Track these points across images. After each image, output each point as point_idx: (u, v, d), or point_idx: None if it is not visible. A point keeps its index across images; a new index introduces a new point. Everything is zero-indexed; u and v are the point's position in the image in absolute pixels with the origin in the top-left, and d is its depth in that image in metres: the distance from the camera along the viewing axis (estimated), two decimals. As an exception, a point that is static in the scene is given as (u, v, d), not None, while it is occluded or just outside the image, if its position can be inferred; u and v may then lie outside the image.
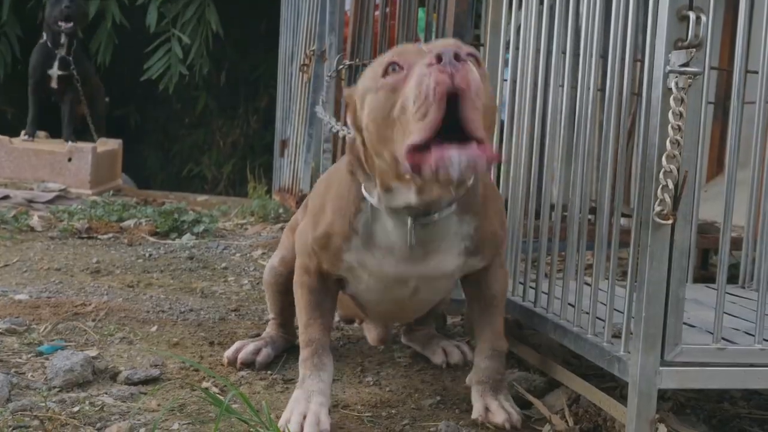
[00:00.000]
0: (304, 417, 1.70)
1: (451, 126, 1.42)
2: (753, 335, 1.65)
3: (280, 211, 4.74)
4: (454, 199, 1.67)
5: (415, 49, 1.55)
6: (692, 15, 1.45)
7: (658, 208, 1.48)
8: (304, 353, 1.84)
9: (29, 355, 2.12)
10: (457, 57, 1.42)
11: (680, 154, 1.47)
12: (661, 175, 1.47)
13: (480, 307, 1.90)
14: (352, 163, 1.71)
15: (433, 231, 1.70)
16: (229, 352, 2.15)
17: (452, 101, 1.41)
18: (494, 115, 1.60)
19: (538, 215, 2.10)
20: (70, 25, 5.71)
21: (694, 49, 1.45)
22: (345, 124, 1.83)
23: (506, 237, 1.90)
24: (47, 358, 2.07)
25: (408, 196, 1.61)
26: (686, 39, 1.45)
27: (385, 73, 1.53)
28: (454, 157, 1.40)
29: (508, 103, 2.21)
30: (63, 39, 5.74)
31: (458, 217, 1.72)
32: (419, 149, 1.43)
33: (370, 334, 2.32)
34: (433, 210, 1.66)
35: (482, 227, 1.76)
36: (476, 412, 1.83)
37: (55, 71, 5.79)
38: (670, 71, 1.46)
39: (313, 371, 1.81)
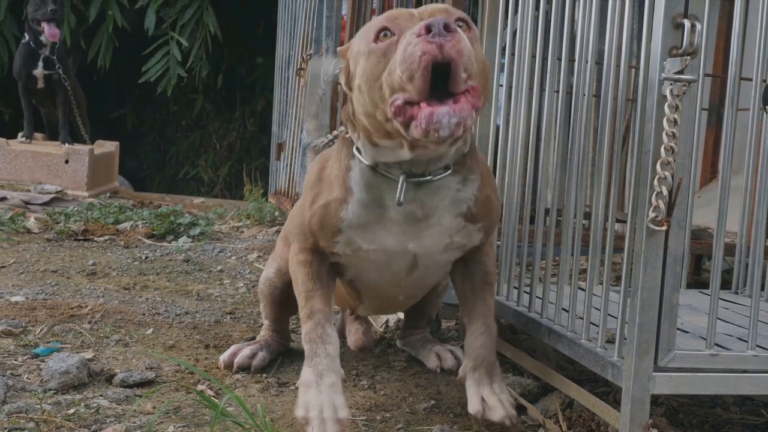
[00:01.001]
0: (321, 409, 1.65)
1: (441, 84, 1.46)
2: (746, 341, 1.66)
3: (276, 214, 4.74)
4: (450, 163, 1.67)
5: (407, 14, 1.57)
6: (687, 23, 1.45)
7: (652, 215, 1.49)
8: (306, 326, 1.77)
9: (25, 357, 2.12)
10: (446, 27, 1.45)
11: (674, 161, 1.48)
12: (655, 182, 1.48)
13: (472, 284, 1.86)
14: (346, 121, 1.71)
15: (430, 192, 1.67)
16: (225, 356, 2.15)
17: (443, 69, 1.45)
18: (487, 74, 1.61)
19: (532, 220, 2.10)
20: (56, 35, 5.60)
21: (689, 57, 1.46)
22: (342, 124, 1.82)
23: (500, 210, 1.89)
24: (43, 360, 2.07)
25: (400, 152, 1.62)
26: (681, 46, 1.46)
27: (377, 38, 1.56)
28: (443, 114, 1.45)
29: (503, 108, 2.22)
30: (45, 39, 5.66)
31: (459, 179, 1.70)
32: (405, 106, 1.49)
33: (351, 337, 2.26)
34: (428, 171, 1.66)
35: (483, 189, 1.74)
36: (473, 407, 1.78)
37: (40, 71, 5.70)
38: (665, 78, 1.46)
39: (319, 344, 1.73)
